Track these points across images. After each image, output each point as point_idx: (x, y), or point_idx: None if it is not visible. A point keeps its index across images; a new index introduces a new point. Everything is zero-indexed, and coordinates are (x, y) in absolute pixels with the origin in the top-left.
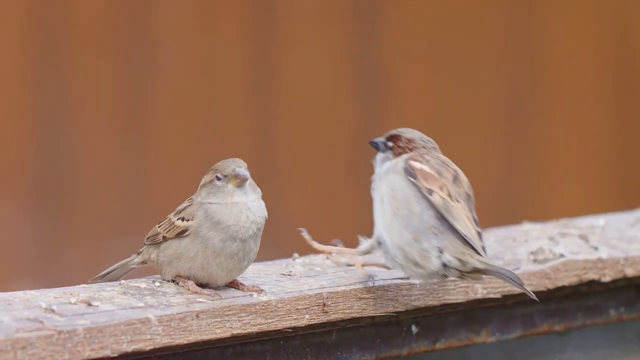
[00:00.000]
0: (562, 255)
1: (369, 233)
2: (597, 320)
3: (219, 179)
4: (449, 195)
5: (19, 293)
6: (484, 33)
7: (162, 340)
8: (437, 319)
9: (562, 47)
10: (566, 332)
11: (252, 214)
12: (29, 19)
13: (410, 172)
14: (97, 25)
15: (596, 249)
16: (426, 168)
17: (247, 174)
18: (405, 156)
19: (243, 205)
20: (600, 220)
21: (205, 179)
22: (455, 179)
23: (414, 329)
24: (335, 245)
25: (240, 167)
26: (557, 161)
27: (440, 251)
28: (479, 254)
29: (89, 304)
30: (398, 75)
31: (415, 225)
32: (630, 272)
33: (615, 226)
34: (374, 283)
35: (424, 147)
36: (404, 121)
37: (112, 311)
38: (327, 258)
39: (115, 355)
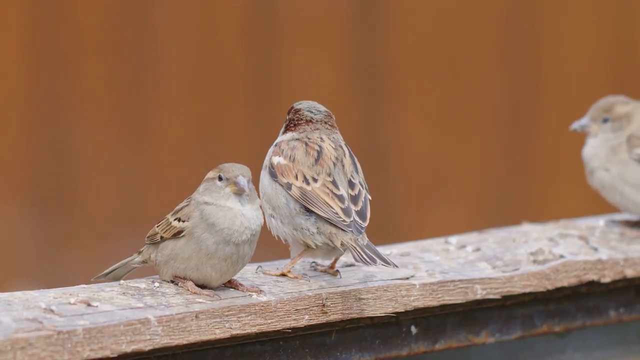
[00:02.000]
0: (561, 256)
1: (375, 228)
2: (596, 321)
3: (220, 179)
4: (305, 180)
5: (19, 293)
6: (484, 34)
7: (162, 340)
8: (436, 319)
9: (564, 49)
10: (566, 333)
11: (246, 220)
12: (29, 20)
13: (271, 171)
14: (97, 26)
15: (596, 249)
16: (282, 160)
17: (246, 187)
18: (276, 145)
19: (237, 211)
20: (600, 221)
21: (209, 175)
22: (319, 155)
23: (413, 329)
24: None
25: (244, 176)
26: (557, 162)
27: (318, 231)
28: (344, 230)
29: (89, 305)
30: (398, 76)
31: (288, 217)
32: (630, 273)
33: (615, 227)
34: (340, 276)
35: (309, 120)
36: (404, 122)
37: (111, 311)
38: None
39: (115, 355)
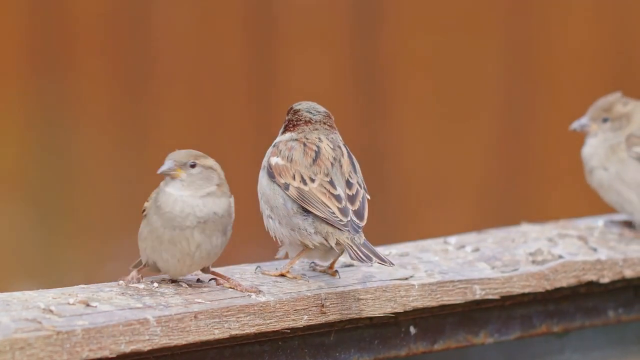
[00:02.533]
0: (560, 257)
1: (374, 229)
2: (595, 322)
3: None
4: (302, 180)
5: (18, 293)
6: (483, 35)
7: (161, 341)
8: (435, 320)
9: (562, 49)
10: (565, 333)
11: (188, 206)
12: (28, 21)
13: (269, 172)
14: (96, 27)
15: (595, 250)
16: (279, 161)
17: (165, 169)
18: (274, 147)
19: (177, 196)
20: (599, 222)
21: None
22: (317, 155)
23: (412, 330)
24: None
25: (168, 159)
26: (556, 162)
27: (316, 231)
28: (340, 229)
29: (88, 305)
30: (397, 77)
31: (285, 217)
32: (628, 273)
33: (614, 227)
34: (339, 276)
35: (308, 121)
36: (403, 123)
37: (110, 312)
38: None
39: (114, 355)
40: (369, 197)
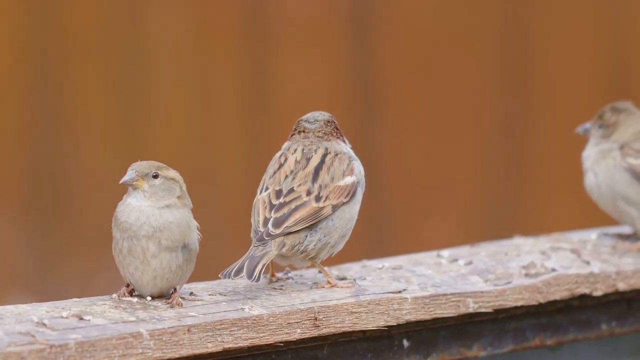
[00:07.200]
0: (553, 270)
1: (367, 241)
2: (588, 335)
3: None
4: (261, 190)
5: (11, 307)
6: (478, 44)
7: (154, 354)
8: (428, 333)
9: (556, 62)
10: (558, 347)
11: (143, 215)
12: (23, 26)
13: None
14: (91, 35)
15: (588, 263)
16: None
17: (126, 180)
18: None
19: (135, 206)
20: (592, 235)
21: None
22: (281, 166)
23: (405, 343)
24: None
25: (130, 169)
26: (550, 175)
27: None
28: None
29: (81, 318)
30: (392, 85)
31: None
32: (621, 286)
33: (607, 240)
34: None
35: (301, 131)
36: (398, 131)
37: (103, 325)
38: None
39: None
40: (322, 205)
